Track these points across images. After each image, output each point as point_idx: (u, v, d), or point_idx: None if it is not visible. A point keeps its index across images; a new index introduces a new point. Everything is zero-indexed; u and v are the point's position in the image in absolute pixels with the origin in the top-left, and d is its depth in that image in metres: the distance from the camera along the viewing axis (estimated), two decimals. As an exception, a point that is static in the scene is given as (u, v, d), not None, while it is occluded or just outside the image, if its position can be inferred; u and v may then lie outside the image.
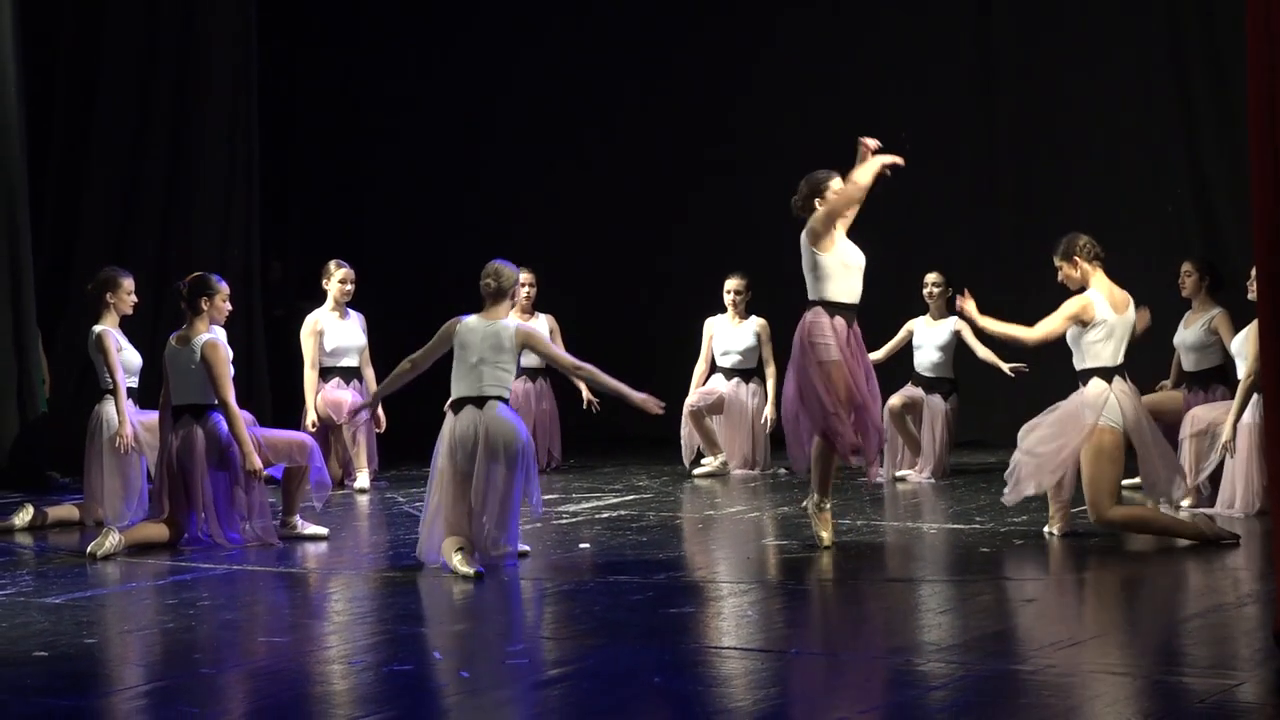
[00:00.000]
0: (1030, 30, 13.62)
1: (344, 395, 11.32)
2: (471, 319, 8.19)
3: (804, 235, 8.43)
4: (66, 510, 9.71)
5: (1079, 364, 8.54)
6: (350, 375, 11.47)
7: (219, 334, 9.05)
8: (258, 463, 8.75)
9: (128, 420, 9.50)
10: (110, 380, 9.59)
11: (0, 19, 11.39)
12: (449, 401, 8.12)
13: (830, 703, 5.64)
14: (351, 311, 11.57)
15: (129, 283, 9.76)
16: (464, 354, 8.09)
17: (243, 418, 8.80)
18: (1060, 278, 8.64)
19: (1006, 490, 8.55)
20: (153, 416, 9.44)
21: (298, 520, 9.06)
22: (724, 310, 12.27)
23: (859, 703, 5.63)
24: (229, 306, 9.05)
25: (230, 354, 8.89)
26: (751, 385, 12.14)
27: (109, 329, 9.64)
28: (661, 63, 14.73)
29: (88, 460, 9.67)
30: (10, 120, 11.45)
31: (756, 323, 12.11)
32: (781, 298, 9.99)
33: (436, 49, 15.39)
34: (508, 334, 8.10)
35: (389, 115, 15.49)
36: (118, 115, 12.89)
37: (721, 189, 14.52)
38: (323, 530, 9.10)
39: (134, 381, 9.72)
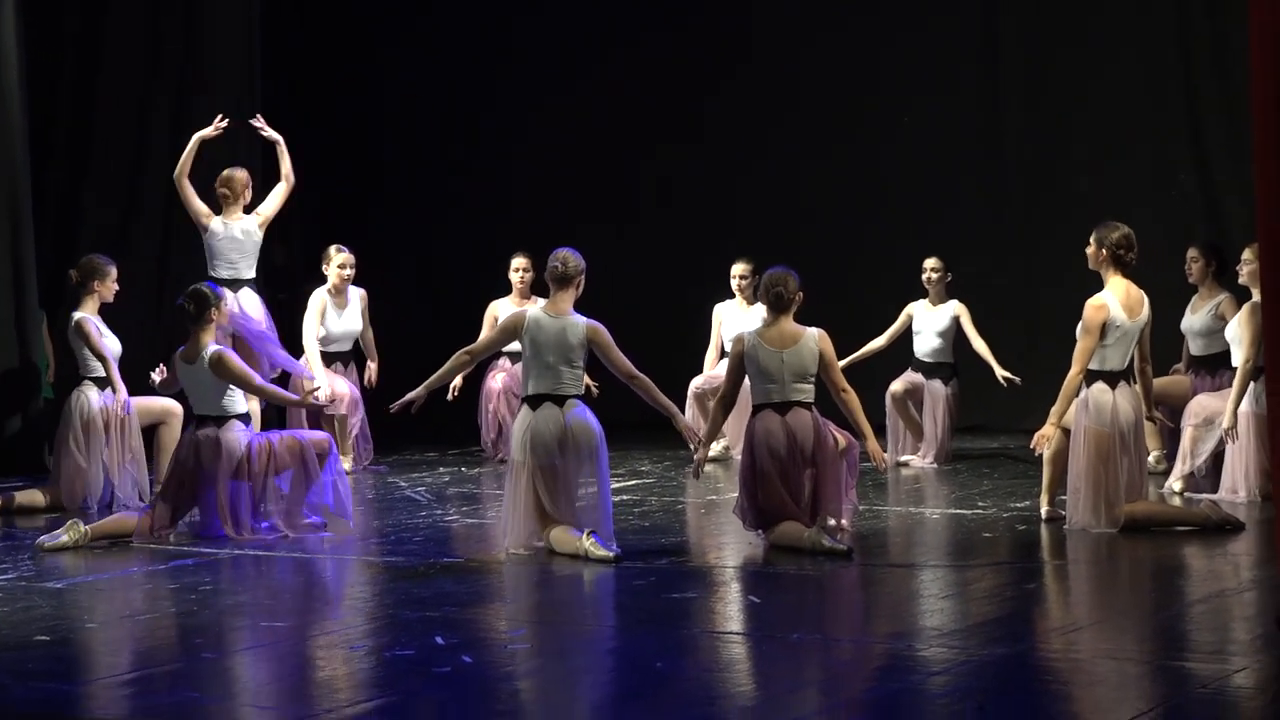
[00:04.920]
0: (1036, 11, 13.56)
1: (340, 385, 11.31)
2: (538, 313, 8.16)
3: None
4: (31, 496, 9.82)
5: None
6: (346, 360, 11.53)
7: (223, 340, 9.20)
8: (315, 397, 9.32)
9: (123, 388, 9.70)
10: (89, 365, 9.80)
11: (2, 6, 11.36)
12: (524, 396, 8.12)
13: (831, 688, 5.64)
14: (352, 290, 11.56)
15: (114, 270, 9.98)
16: (536, 351, 8.07)
17: (251, 424, 8.96)
18: (1087, 251, 8.56)
19: (1069, 525, 8.46)
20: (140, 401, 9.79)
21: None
22: (732, 296, 12.25)
23: (860, 688, 5.62)
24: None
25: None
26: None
27: (88, 316, 9.83)
28: (662, 43, 14.66)
29: (58, 445, 9.84)
30: (12, 105, 11.42)
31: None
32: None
33: (439, 31, 15.34)
34: (576, 332, 8.09)
35: (396, 96, 15.45)
36: (121, 97, 12.85)
37: (725, 172, 14.47)
38: (321, 522, 8.88)
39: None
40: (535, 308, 8.30)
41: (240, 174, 11.07)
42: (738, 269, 12.15)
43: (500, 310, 12.06)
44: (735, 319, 12.10)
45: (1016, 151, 13.65)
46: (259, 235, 10.96)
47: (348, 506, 8.89)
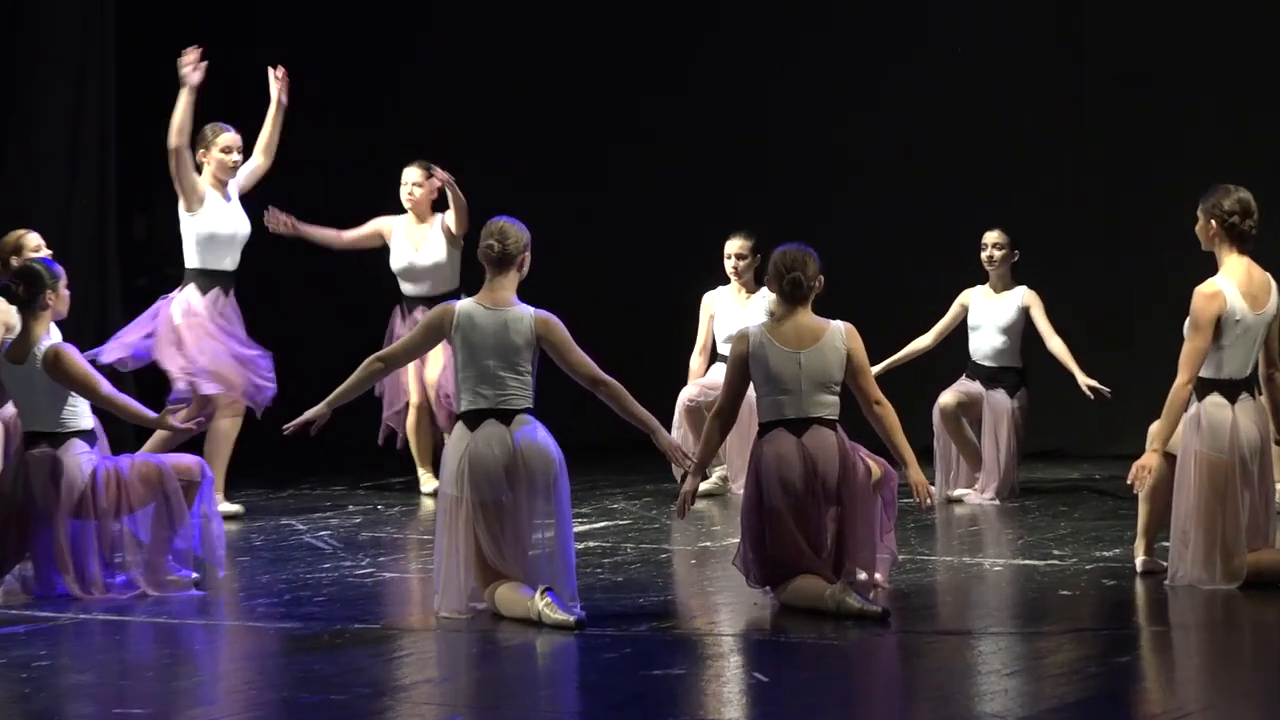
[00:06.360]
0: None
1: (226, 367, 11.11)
2: (470, 306, 8.07)
3: None
4: None
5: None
6: (227, 284, 11.19)
7: (57, 332, 8.99)
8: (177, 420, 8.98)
9: None
10: None
11: None
12: (459, 412, 8.07)
13: (864, 794, 5.62)
14: (234, 191, 11.29)
15: None
16: (472, 355, 8.00)
17: (99, 446, 8.83)
18: (1196, 229, 8.51)
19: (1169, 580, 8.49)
20: None
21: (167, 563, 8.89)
22: (726, 281, 12.21)
23: (901, 794, 5.62)
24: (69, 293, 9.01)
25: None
26: (761, 378, 12.10)
27: None
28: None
29: None
30: None
31: (768, 297, 12.04)
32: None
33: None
34: (522, 328, 8.01)
35: (277, 29, 15.44)
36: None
37: (716, 134, 14.52)
38: (194, 576, 8.86)
39: None
40: (467, 300, 8.21)
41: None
42: (733, 246, 12.10)
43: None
44: (730, 311, 12.09)
45: (1100, 85, 13.75)
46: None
47: (219, 552, 8.86)
